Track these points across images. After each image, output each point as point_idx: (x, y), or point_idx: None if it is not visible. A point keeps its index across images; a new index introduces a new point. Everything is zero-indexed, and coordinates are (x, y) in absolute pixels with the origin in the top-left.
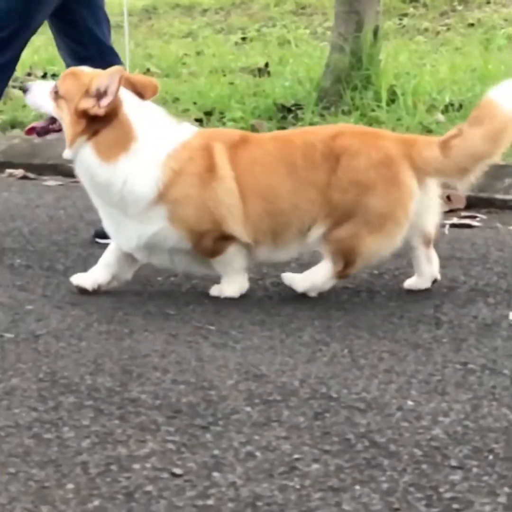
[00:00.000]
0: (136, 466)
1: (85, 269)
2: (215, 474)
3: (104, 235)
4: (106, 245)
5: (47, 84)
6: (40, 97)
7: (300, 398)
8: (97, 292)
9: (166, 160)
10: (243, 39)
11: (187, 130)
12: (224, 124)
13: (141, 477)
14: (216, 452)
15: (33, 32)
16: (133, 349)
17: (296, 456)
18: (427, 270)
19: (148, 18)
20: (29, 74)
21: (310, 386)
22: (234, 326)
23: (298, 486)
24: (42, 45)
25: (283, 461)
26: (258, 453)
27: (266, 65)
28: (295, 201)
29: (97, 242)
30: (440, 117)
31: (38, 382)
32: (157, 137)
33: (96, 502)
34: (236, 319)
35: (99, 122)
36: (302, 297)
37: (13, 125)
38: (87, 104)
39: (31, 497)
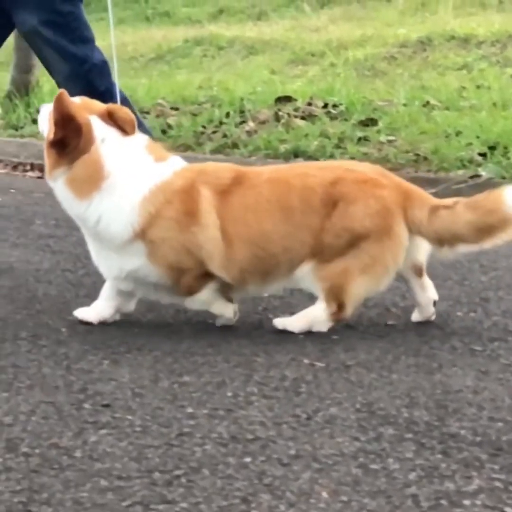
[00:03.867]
0: (466, 502)
1: (383, 301)
2: None
3: None
4: None
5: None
6: (42, 121)
7: None
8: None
9: (142, 202)
10: None
11: (169, 168)
12: (508, 159)
13: None
14: None
15: None
16: (444, 384)
17: None
18: (424, 298)
19: (423, 50)
20: (309, 104)
21: None
22: None
23: None
24: (317, 74)
25: None
26: None
27: None
28: (287, 244)
29: None
30: None
31: (356, 412)
32: (132, 177)
33: None
34: None
35: (69, 156)
36: None
37: (296, 154)
38: (51, 133)
39: None
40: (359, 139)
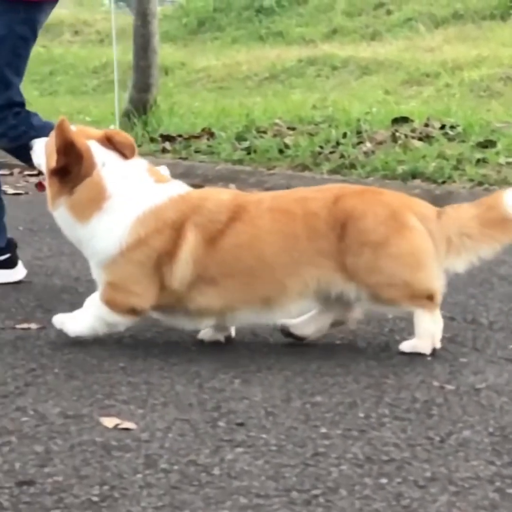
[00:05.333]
0: None
1: (508, 324)
2: None
3: None
4: None
5: (45, 140)
6: (37, 155)
7: None
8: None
9: (134, 223)
10: None
11: (165, 193)
12: None
13: None
14: None
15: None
16: None
17: None
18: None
19: None
20: (426, 125)
21: None
22: None
23: None
24: (431, 95)
25: None
26: None
27: None
28: (292, 271)
29: None
30: None
31: (489, 436)
32: (131, 197)
33: None
34: None
35: (71, 182)
36: None
37: (414, 175)
38: (53, 161)
39: None
40: (478, 160)
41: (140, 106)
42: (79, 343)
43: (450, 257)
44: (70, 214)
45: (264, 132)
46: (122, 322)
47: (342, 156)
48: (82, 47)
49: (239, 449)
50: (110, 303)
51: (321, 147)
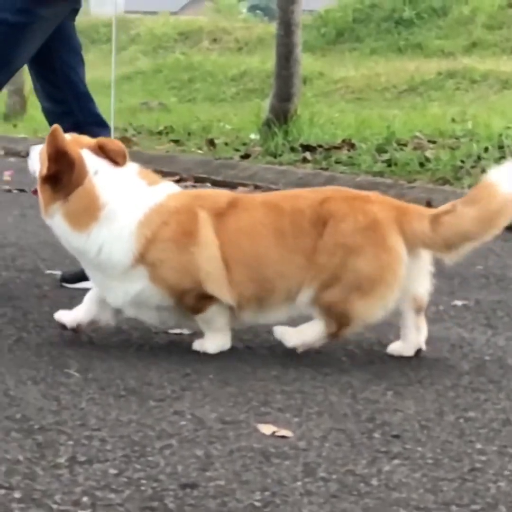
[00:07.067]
0: None
1: None
2: None
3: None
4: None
5: (40, 147)
6: (33, 162)
7: None
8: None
9: (137, 227)
10: None
11: (162, 192)
12: None
13: None
14: None
15: (10, 76)
16: None
17: None
18: (413, 339)
19: None
20: None
21: None
22: None
23: None
24: None
25: None
26: None
27: None
28: (281, 268)
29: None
30: None
31: None
32: (127, 203)
33: None
34: None
35: (63, 190)
36: None
37: None
38: (45, 168)
39: None
40: None
41: (281, 115)
42: (231, 350)
43: (451, 256)
44: (66, 223)
45: (404, 144)
46: (215, 311)
47: (483, 171)
48: (221, 54)
49: (396, 461)
50: (191, 309)
51: (462, 161)
